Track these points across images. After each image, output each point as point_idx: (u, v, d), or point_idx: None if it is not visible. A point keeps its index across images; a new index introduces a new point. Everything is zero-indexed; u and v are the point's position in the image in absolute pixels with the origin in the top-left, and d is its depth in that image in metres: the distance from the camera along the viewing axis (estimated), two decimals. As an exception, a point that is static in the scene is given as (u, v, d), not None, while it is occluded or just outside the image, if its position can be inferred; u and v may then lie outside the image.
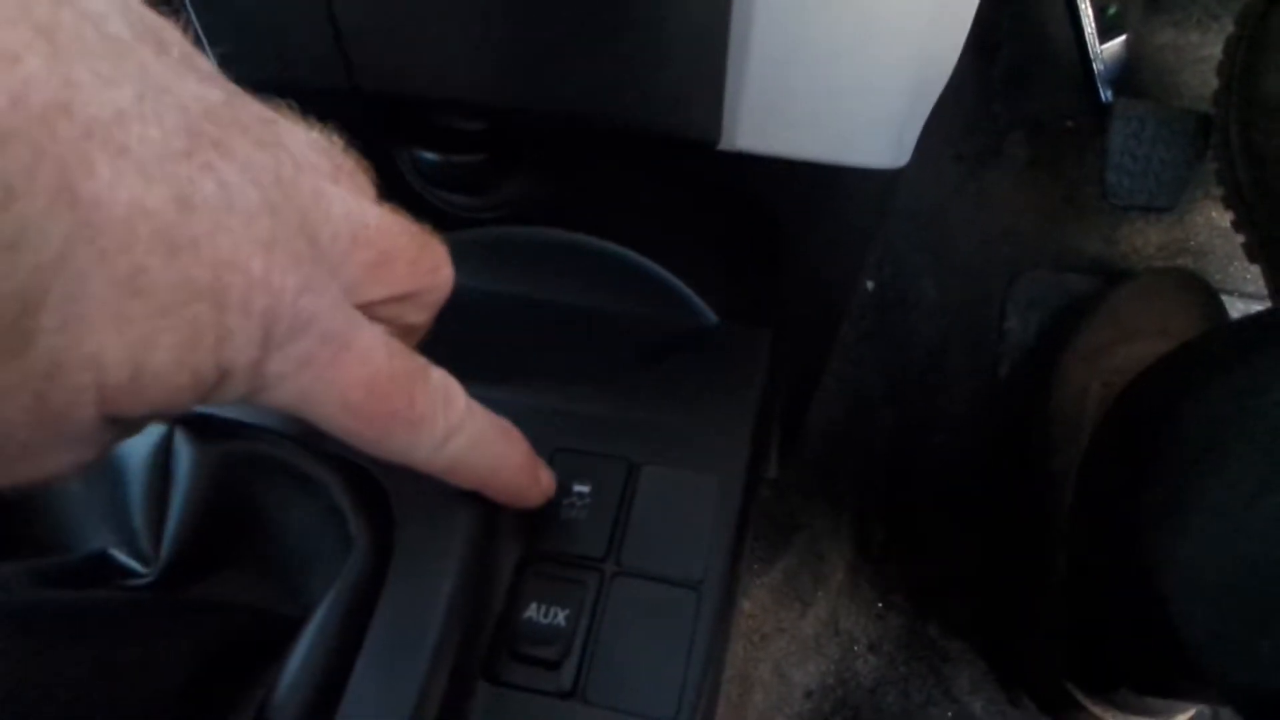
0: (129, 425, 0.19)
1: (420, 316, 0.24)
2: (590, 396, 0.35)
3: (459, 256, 0.24)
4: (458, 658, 0.27)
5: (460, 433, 0.24)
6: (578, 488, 0.32)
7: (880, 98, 0.33)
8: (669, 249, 0.42)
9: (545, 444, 0.33)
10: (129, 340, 0.16)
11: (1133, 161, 0.66)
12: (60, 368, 0.16)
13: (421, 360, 0.23)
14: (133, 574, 0.27)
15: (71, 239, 0.15)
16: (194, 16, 0.30)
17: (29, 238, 0.15)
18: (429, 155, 0.35)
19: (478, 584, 0.28)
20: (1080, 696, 0.56)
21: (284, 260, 0.18)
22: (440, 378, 0.23)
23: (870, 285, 0.76)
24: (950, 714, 0.64)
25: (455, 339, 0.26)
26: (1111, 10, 0.69)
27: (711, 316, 0.43)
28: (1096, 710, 0.56)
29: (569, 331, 0.41)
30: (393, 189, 0.24)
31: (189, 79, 0.18)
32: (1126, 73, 0.72)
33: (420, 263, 0.22)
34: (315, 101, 0.23)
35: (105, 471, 0.27)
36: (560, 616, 0.29)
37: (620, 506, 0.32)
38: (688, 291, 0.43)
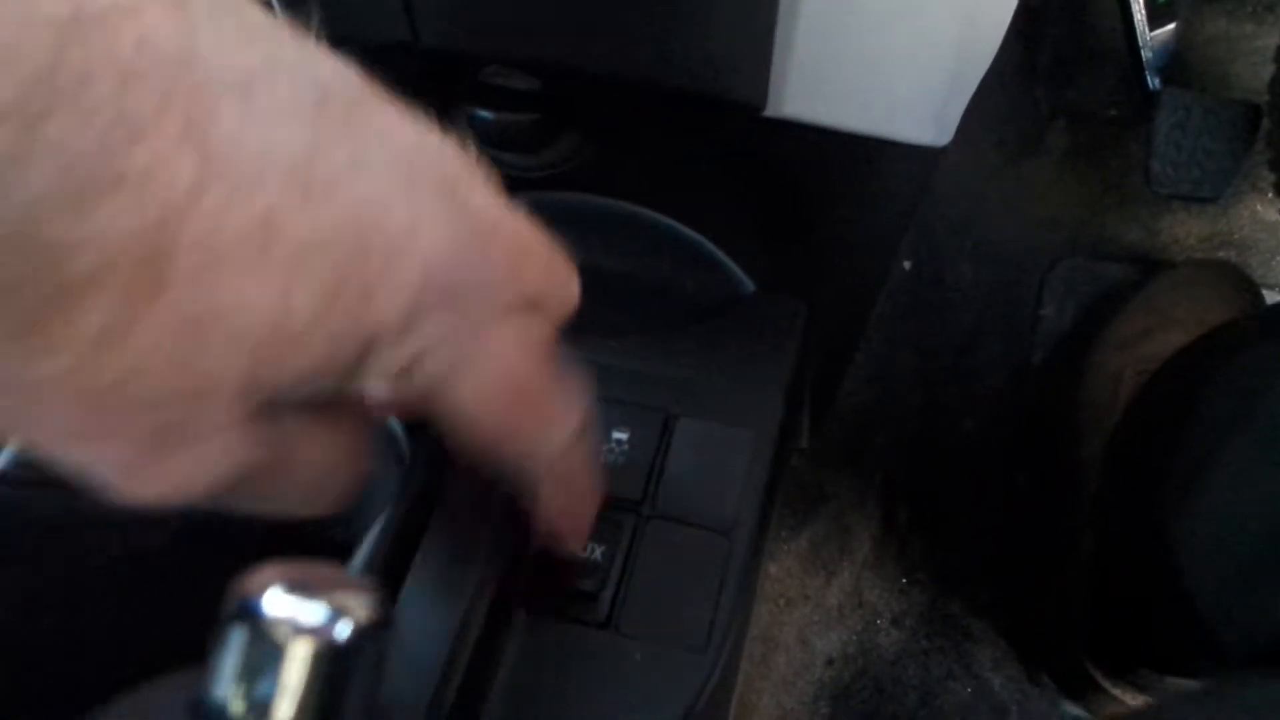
0: (273, 415, 0.18)
1: (545, 330, 0.22)
2: (631, 352, 0.36)
3: None
4: (499, 586, 0.28)
5: (580, 443, 0.23)
6: (616, 435, 0.33)
7: (925, 70, 0.34)
8: (710, 218, 0.43)
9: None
10: (266, 290, 0.16)
11: (1177, 151, 0.66)
12: (198, 317, 0.16)
13: (555, 357, 0.22)
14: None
15: (201, 177, 0.15)
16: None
17: (157, 174, 0.15)
18: (484, 113, 0.37)
19: (521, 517, 0.29)
20: (1100, 677, 0.57)
21: (435, 217, 0.18)
22: (572, 380, 0.23)
23: (907, 265, 0.76)
24: (969, 689, 0.65)
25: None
26: (1162, -3, 0.69)
27: (749, 285, 0.44)
28: (1116, 691, 0.57)
29: (610, 293, 0.43)
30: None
31: (326, 60, 0.18)
32: (1175, 62, 0.71)
33: (552, 268, 0.22)
34: (375, 59, 0.24)
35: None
36: (598, 552, 0.30)
37: (656, 454, 0.33)
38: (727, 260, 0.44)
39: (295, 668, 0.12)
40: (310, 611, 0.12)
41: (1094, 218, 0.77)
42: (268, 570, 0.13)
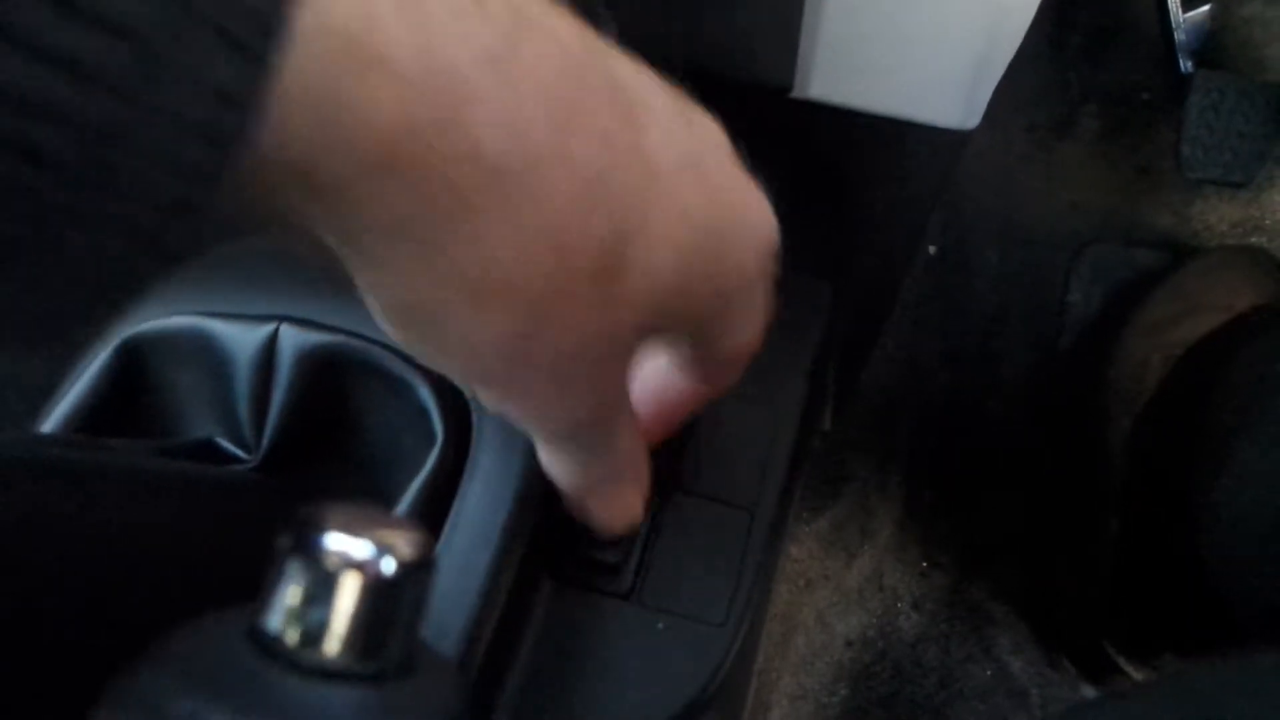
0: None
1: None
2: (655, 330, 0.37)
3: None
4: (525, 554, 0.29)
5: None
6: (641, 412, 0.33)
7: (954, 52, 0.34)
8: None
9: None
10: (669, 280, 0.20)
11: (1209, 134, 0.65)
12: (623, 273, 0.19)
13: None
14: (236, 460, 0.29)
15: (640, 190, 0.19)
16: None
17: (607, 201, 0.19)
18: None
19: (546, 488, 0.30)
20: (1122, 661, 0.57)
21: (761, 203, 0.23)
22: None
23: (933, 250, 0.76)
24: (989, 672, 0.65)
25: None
26: (1197, -21, 0.68)
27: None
28: (1138, 675, 0.57)
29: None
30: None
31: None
32: (1209, 44, 0.70)
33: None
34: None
35: (214, 367, 0.30)
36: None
37: (681, 431, 0.33)
38: (751, 242, 0.45)
39: (345, 599, 0.13)
40: (359, 547, 0.13)
41: (1124, 203, 0.77)
42: (320, 509, 0.14)
